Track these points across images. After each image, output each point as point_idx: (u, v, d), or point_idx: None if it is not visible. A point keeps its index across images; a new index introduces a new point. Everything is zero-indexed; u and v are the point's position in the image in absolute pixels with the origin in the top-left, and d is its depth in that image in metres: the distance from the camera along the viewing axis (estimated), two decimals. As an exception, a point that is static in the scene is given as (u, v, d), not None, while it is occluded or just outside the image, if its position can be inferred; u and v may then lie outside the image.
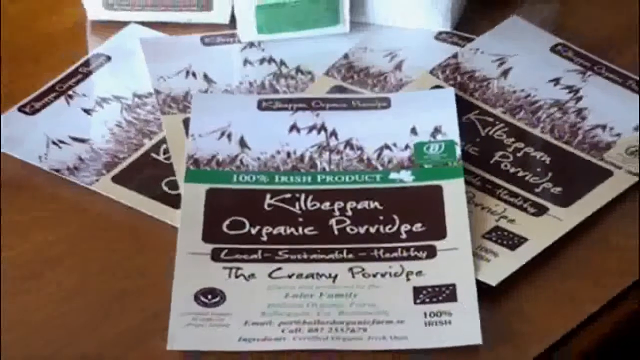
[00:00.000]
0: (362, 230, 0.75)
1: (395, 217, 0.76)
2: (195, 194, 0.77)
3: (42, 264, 0.74)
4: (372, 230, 0.75)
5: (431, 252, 0.73)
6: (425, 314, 0.69)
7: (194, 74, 0.88)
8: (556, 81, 0.88)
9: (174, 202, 0.77)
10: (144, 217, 0.77)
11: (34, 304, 0.71)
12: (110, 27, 0.92)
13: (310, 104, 0.85)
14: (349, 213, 0.76)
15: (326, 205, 0.77)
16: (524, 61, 0.89)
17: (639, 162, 0.80)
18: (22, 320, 0.70)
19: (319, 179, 0.79)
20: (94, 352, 0.68)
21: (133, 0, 0.92)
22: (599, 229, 0.76)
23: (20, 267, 0.74)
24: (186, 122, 0.83)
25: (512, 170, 0.80)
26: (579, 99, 0.86)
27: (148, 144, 0.82)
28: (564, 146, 0.82)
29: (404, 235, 0.75)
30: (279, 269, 0.72)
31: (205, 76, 0.88)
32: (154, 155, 0.82)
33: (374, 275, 0.72)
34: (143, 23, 0.93)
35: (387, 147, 0.81)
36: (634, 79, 0.88)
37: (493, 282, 0.71)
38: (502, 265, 0.72)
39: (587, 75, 0.88)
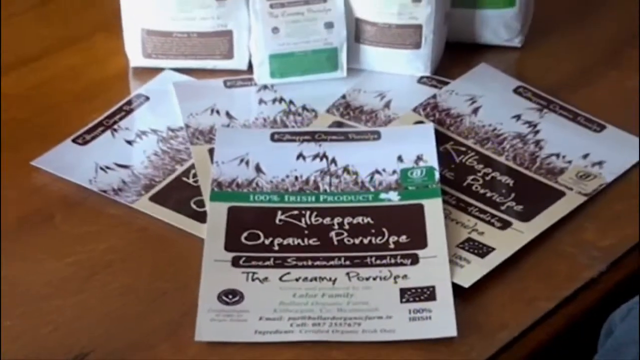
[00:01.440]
0: (357, 241, 0.75)
1: (385, 230, 0.76)
2: (219, 211, 0.77)
3: (95, 269, 0.74)
4: (365, 241, 0.75)
5: (414, 259, 0.73)
6: (409, 311, 0.69)
7: (217, 112, 0.88)
8: (518, 117, 0.87)
9: (201, 217, 0.77)
10: (176, 230, 0.77)
11: (91, 300, 0.71)
12: (149, 73, 0.92)
13: (314, 137, 0.85)
14: (346, 227, 0.76)
15: (327, 220, 0.77)
16: (491, 101, 0.89)
17: (588, 185, 0.80)
18: (83, 314, 0.70)
19: (321, 199, 0.79)
20: (137, 341, 0.68)
21: (167, 50, 0.91)
22: (553, 240, 0.76)
23: (78, 271, 0.74)
24: (211, 152, 0.83)
25: (482, 191, 0.80)
26: (537, 132, 0.86)
27: (179, 169, 0.82)
28: (525, 171, 0.82)
29: (391, 245, 0.74)
30: (288, 273, 0.72)
31: (227, 113, 0.88)
32: (184, 179, 0.81)
33: (367, 279, 0.72)
34: (176, 69, 0.92)
35: (377, 172, 0.81)
36: (582, 116, 0.87)
37: (466, 284, 0.71)
38: (473, 270, 0.72)
39: (544, 112, 0.88)
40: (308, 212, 0.78)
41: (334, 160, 0.82)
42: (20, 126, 0.87)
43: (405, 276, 0.72)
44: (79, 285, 0.73)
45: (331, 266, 0.73)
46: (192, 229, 0.76)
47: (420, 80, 0.92)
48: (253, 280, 0.72)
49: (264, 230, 0.76)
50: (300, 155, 0.83)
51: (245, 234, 0.75)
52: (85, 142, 0.85)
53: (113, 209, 0.79)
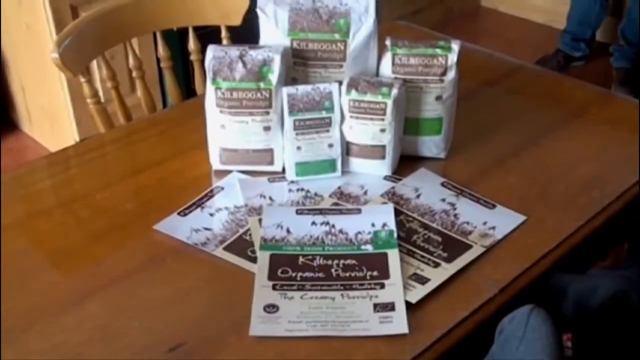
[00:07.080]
0: (347, 274, 0.75)
1: (364, 268, 0.76)
2: (264, 256, 0.78)
3: (189, 290, 0.74)
4: (352, 274, 0.75)
5: (382, 286, 0.73)
6: (379, 317, 0.69)
7: (264, 197, 0.87)
8: (443, 200, 0.87)
9: (254, 260, 0.77)
10: (239, 268, 0.77)
11: (186, 310, 0.72)
12: (223, 173, 0.92)
13: (321, 212, 0.85)
14: (341, 266, 0.76)
15: (329, 262, 0.77)
16: (427, 190, 0.89)
17: (488, 242, 0.80)
18: (181, 318, 0.70)
19: (325, 249, 0.79)
20: (214, 335, 0.68)
21: (235, 160, 0.91)
22: (466, 274, 0.76)
23: (178, 291, 0.74)
24: (260, 221, 0.83)
25: (422, 244, 0.80)
26: (455, 209, 0.86)
27: (241, 231, 0.82)
28: (448, 232, 0.82)
29: (368, 278, 0.75)
30: (306, 294, 0.72)
31: (270, 197, 0.88)
32: (244, 236, 0.81)
33: (353, 298, 0.72)
34: (240, 171, 0.92)
35: (359, 233, 0.81)
36: (482, 199, 0.87)
37: (413, 301, 0.71)
38: (418, 293, 0.73)
39: (459, 197, 0.88)
40: (318, 257, 0.78)
41: (333, 226, 0.83)
42: (147, 204, 0.88)
43: (376, 296, 0.72)
44: (179, 299, 0.73)
45: (332, 290, 0.73)
46: (248, 267, 0.77)
47: (385, 177, 0.92)
48: (284, 298, 0.72)
49: (291, 268, 0.76)
50: (313, 223, 0.83)
51: (280, 270, 0.76)
52: (185, 215, 0.85)
53: (201, 254, 0.79)
